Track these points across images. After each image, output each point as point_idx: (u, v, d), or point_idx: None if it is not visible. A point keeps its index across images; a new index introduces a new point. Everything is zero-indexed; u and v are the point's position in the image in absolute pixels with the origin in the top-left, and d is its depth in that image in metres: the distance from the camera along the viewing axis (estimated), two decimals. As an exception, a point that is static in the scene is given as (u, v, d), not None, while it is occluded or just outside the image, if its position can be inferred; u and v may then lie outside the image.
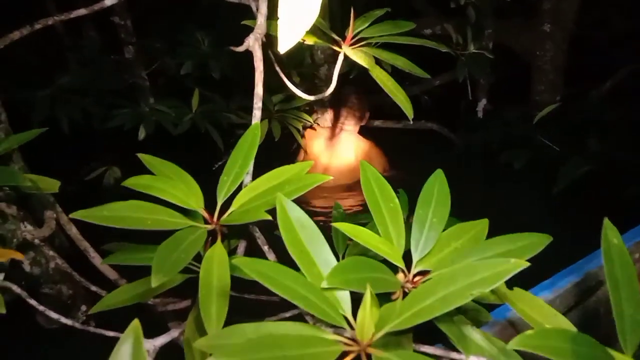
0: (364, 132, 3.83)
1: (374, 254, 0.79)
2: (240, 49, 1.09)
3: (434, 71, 3.88)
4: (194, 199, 0.89)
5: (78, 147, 3.10)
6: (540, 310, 0.76)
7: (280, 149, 3.07)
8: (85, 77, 3.09)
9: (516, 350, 0.65)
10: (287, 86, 1.26)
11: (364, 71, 1.20)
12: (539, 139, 3.25)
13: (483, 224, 0.87)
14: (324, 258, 0.72)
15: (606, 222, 0.75)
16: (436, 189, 0.90)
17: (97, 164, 3.10)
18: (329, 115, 3.10)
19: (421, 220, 0.86)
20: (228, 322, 0.72)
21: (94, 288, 1.17)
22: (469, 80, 3.55)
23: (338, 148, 3.16)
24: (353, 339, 0.63)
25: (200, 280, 0.75)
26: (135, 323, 0.54)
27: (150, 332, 0.90)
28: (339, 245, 1.34)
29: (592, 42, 4.22)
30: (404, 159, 3.59)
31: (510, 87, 4.15)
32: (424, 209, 0.87)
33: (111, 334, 0.95)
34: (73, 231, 1.52)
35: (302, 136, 2.94)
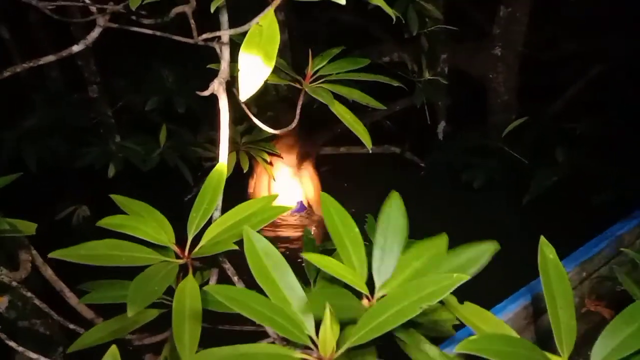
0: (329, 159, 3.93)
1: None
2: (205, 93, 1.16)
3: (395, 96, 4.03)
4: (165, 235, 0.94)
5: (46, 186, 3.10)
6: (487, 320, 0.84)
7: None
8: (51, 116, 3.11)
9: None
10: (248, 117, 1.33)
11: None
12: (504, 154, 3.40)
13: (442, 239, 0.91)
14: (289, 283, 0.78)
15: (542, 240, 0.84)
16: (392, 213, 0.96)
17: (66, 203, 3.10)
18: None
19: (380, 246, 0.92)
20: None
21: (72, 326, 1.20)
22: (428, 104, 3.69)
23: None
24: (319, 358, 0.70)
25: (174, 310, 0.81)
26: (113, 349, 0.59)
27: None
28: (310, 271, 1.41)
29: (541, 63, 4.45)
30: (370, 183, 3.69)
31: (467, 109, 4.34)
32: (383, 234, 0.93)
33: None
34: (48, 272, 1.53)
35: (270, 163, 3.01)
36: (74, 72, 3.49)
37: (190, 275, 0.89)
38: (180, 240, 0.97)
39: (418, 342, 0.88)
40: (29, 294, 1.32)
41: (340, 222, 0.94)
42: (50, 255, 0.83)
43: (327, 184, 3.66)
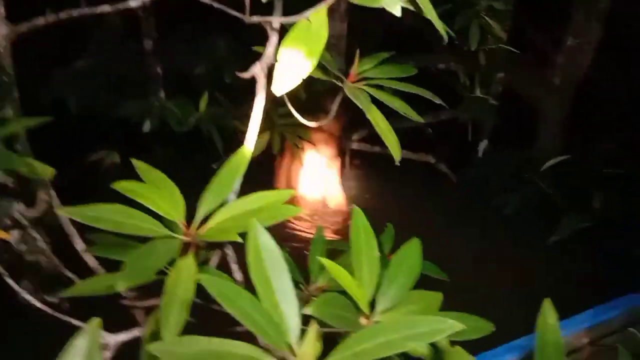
0: (361, 157, 3.90)
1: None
2: (245, 75, 1.14)
3: (442, 106, 3.95)
4: (175, 210, 0.94)
5: (84, 130, 3.16)
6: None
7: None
8: (102, 62, 3.16)
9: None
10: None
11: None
12: (539, 186, 3.31)
13: (437, 297, 0.95)
14: (284, 289, 0.77)
15: (546, 302, 0.81)
16: (410, 254, 0.99)
17: (100, 148, 3.16)
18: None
19: (392, 278, 0.94)
20: (192, 328, 0.77)
21: (69, 274, 1.22)
22: (473, 120, 3.62)
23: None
24: (295, 368, 0.69)
25: (166, 288, 0.80)
26: (96, 321, 0.59)
27: (123, 325, 0.96)
28: (314, 269, 1.39)
29: (598, 102, 4.29)
30: (398, 189, 3.64)
31: (513, 132, 4.22)
32: (396, 269, 0.96)
33: (76, 322, 1.00)
34: (63, 218, 1.57)
35: (300, 148, 3.00)
36: (134, 24, 3.52)
37: (190, 255, 0.88)
38: (192, 212, 0.96)
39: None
40: (34, 234, 1.36)
41: (365, 241, 0.95)
42: (59, 211, 0.83)
43: (356, 181, 3.64)
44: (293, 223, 3.09)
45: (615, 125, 4.22)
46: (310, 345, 0.68)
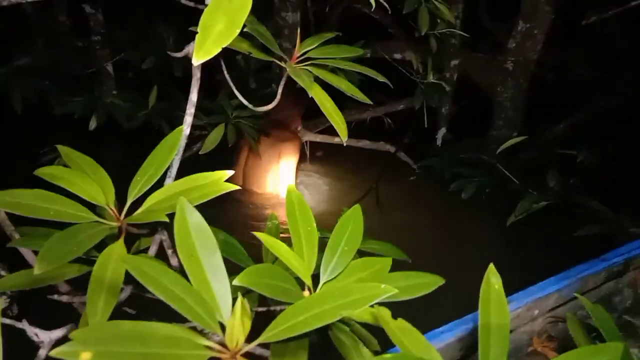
0: (321, 147, 3.89)
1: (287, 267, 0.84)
2: (180, 54, 1.11)
3: (400, 95, 3.97)
4: (103, 195, 0.89)
5: (30, 130, 3.04)
6: (416, 342, 0.79)
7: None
8: (47, 58, 3.04)
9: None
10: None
11: (327, 88, 1.23)
12: (496, 170, 3.34)
13: (386, 262, 0.93)
14: (214, 265, 0.73)
15: (490, 267, 0.79)
16: (352, 222, 0.96)
17: (48, 148, 3.05)
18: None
19: (334, 246, 0.91)
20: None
21: (2, 273, 1.15)
22: (431, 108, 3.64)
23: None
24: (225, 348, 0.65)
25: (93, 274, 0.76)
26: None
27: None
28: (267, 256, 1.36)
29: (550, 85, 4.39)
30: (358, 177, 3.65)
31: (470, 119, 4.28)
32: (338, 237, 0.93)
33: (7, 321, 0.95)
34: (1, 215, 1.49)
35: (256, 141, 2.96)
36: (81, 19, 3.42)
37: (120, 240, 0.84)
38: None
39: (353, 342, 0.87)
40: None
41: (300, 214, 0.93)
42: (-28, 197, 0.78)
43: (315, 171, 3.62)
44: (250, 219, 3.05)
45: (568, 106, 4.31)
46: (238, 321, 0.65)
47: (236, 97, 3.02)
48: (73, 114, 2.77)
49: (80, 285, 1.09)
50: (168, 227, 1.00)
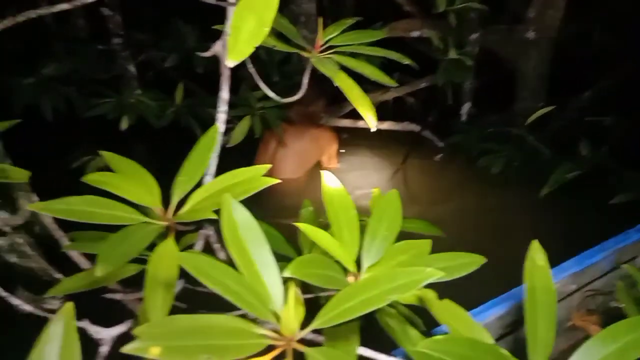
0: (346, 131, 3.90)
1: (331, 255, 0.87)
2: (207, 54, 1.13)
3: (421, 73, 3.95)
4: (150, 196, 0.93)
5: (61, 135, 3.12)
6: (463, 321, 0.82)
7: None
8: (71, 65, 3.11)
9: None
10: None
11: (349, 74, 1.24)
12: (524, 142, 3.31)
13: (427, 244, 0.95)
14: (263, 258, 0.76)
15: (534, 244, 0.78)
16: (389, 206, 0.98)
17: (80, 153, 3.13)
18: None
19: (374, 232, 0.93)
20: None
21: (57, 275, 1.21)
22: (454, 84, 3.61)
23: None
24: (281, 336, 0.68)
25: (148, 273, 0.80)
26: (69, 307, 0.58)
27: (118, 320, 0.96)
28: (305, 243, 1.39)
29: (573, 53, 4.30)
30: (384, 159, 3.65)
31: (494, 92, 4.22)
32: (377, 222, 0.95)
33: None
34: (47, 220, 1.56)
35: (284, 130, 2.99)
36: (100, 23, 3.48)
37: (170, 238, 0.88)
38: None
39: (399, 323, 0.90)
40: (20, 240, 1.35)
41: (338, 201, 0.95)
42: (30, 207, 0.82)
43: (342, 156, 3.64)
44: (283, 206, 3.08)
45: (592, 74, 4.23)
46: (292, 309, 0.68)
47: (259, 89, 3.05)
48: (104, 116, 2.83)
49: (127, 283, 1.14)
50: (213, 222, 1.04)
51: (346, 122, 3.88)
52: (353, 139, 3.94)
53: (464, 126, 4.15)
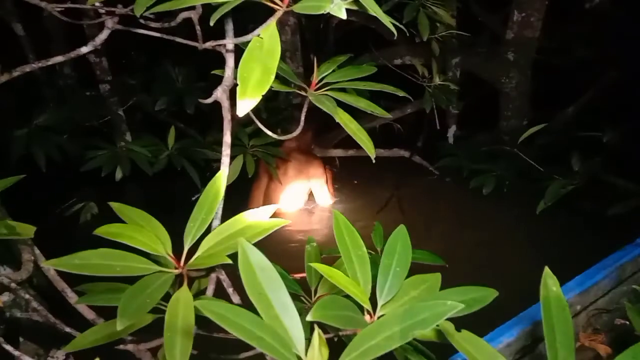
0: (337, 161, 3.93)
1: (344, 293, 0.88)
2: (208, 100, 1.15)
3: (406, 99, 4.01)
4: (161, 245, 0.94)
5: (56, 185, 3.12)
6: (482, 349, 0.82)
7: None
8: (62, 114, 3.12)
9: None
10: (260, 120, 1.33)
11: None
12: (514, 160, 3.34)
13: (436, 278, 0.97)
14: (282, 301, 0.77)
15: (546, 271, 0.81)
16: (399, 242, 1.00)
17: (75, 200, 3.13)
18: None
19: (386, 269, 0.95)
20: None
21: (67, 329, 1.20)
22: (439, 108, 3.66)
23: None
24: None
25: (166, 322, 0.80)
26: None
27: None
28: (312, 280, 1.40)
29: (553, 69, 4.40)
30: (378, 187, 3.68)
31: (479, 113, 4.30)
32: (389, 259, 0.97)
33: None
34: (51, 272, 1.54)
35: (276, 167, 3.01)
36: (86, 69, 3.50)
37: (184, 286, 0.88)
38: (181, 247, 0.96)
39: (415, 355, 0.90)
40: (27, 296, 1.34)
41: (350, 239, 0.97)
42: (44, 263, 0.83)
43: (337, 187, 3.65)
44: (285, 241, 3.09)
45: (574, 89, 4.32)
46: (317, 351, 0.68)
47: (249, 125, 3.07)
48: (99, 169, 2.83)
49: (135, 332, 1.13)
50: (225, 266, 1.05)
51: (337, 152, 3.92)
52: (345, 169, 3.97)
53: (452, 149, 4.21)
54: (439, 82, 3.15)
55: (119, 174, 2.78)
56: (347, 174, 3.96)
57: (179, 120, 3.15)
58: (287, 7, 0.93)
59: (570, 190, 2.95)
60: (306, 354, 0.71)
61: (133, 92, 3.34)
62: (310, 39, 3.92)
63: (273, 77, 0.85)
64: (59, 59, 1.67)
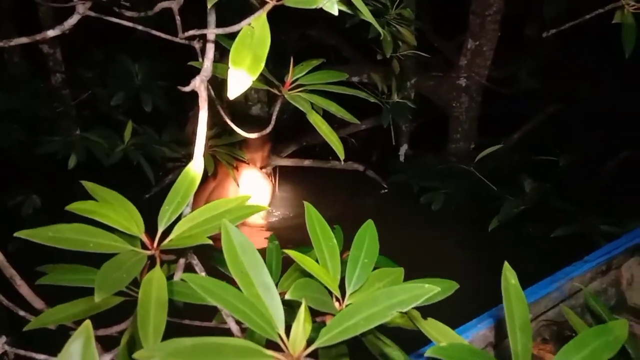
0: (293, 170, 3.96)
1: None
2: (187, 89, 1.15)
3: (360, 115, 4.10)
4: (135, 225, 0.93)
5: (1, 174, 2.99)
6: (449, 337, 0.87)
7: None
8: (10, 103, 2.99)
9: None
10: (218, 122, 1.34)
11: (296, 113, 1.30)
12: (464, 179, 3.48)
13: (399, 272, 1.01)
14: (263, 281, 0.79)
15: (506, 265, 0.88)
16: (367, 235, 1.04)
17: (20, 192, 3.00)
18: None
19: (355, 259, 0.99)
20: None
21: (22, 313, 1.16)
22: (393, 126, 3.77)
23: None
24: (288, 355, 0.70)
25: (139, 299, 0.80)
26: (87, 323, 0.59)
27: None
28: (273, 271, 1.41)
29: (501, 97, 4.63)
30: (330, 198, 3.72)
31: (428, 134, 4.46)
32: (358, 250, 1.01)
33: (42, 357, 0.96)
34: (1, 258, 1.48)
35: (235, 169, 3.00)
36: (37, 59, 3.40)
37: (158, 266, 0.88)
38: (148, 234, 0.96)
39: (385, 346, 0.93)
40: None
41: (321, 231, 1.00)
42: (16, 234, 0.81)
43: (290, 194, 3.67)
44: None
45: (519, 116, 4.56)
46: (301, 329, 0.70)
47: (210, 129, 3.04)
48: (45, 157, 2.72)
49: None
50: (196, 251, 1.05)
51: (291, 162, 3.94)
52: (296, 177, 4.00)
53: (403, 166, 4.33)
54: (397, 100, 3.26)
55: (72, 162, 2.67)
56: (300, 184, 3.99)
57: (134, 118, 3.08)
58: (277, 1, 0.95)
59: (519, 212, 3.11)
60: (288, 336, 0.72)
61: (88, 86, 3.25)
62: (268, 56, 3.95)
63: (263, 65, 0.87)
64: (22, 39, 1.62)
